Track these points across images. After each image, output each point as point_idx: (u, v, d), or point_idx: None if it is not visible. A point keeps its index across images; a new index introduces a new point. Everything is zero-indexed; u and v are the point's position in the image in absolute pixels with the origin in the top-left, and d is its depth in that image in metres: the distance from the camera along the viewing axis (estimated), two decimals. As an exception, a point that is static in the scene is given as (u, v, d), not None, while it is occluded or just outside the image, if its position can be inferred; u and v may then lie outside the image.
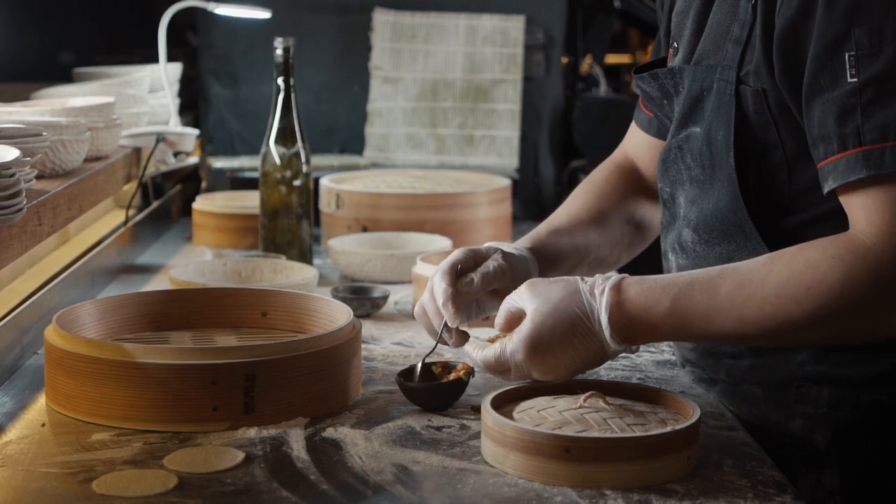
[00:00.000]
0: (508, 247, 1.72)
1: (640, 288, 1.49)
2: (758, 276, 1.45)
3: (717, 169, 1.60)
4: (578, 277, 1.53)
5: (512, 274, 1.68)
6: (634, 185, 1.91)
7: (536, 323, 1.49)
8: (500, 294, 1.63)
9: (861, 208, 1.43)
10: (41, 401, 1.65)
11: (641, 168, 1.92)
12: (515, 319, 1.54)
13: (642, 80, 1.76)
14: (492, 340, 1.56)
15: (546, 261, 1.76)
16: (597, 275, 1.52)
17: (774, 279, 1.44)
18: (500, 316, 1.56)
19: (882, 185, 1.41)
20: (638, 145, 1.92)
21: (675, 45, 1.72)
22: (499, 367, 1.52)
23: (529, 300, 1.51)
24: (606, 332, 1.48)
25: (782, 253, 1.47)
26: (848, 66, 1.43)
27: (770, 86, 1.53)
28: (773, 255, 1.47)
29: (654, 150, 1.86)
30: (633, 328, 1.49)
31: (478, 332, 1.69)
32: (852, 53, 1.42)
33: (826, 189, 1.46)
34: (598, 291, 1.49)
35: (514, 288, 1.59)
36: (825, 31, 1.44)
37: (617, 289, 1.49)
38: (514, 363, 1.51)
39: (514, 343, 1.50)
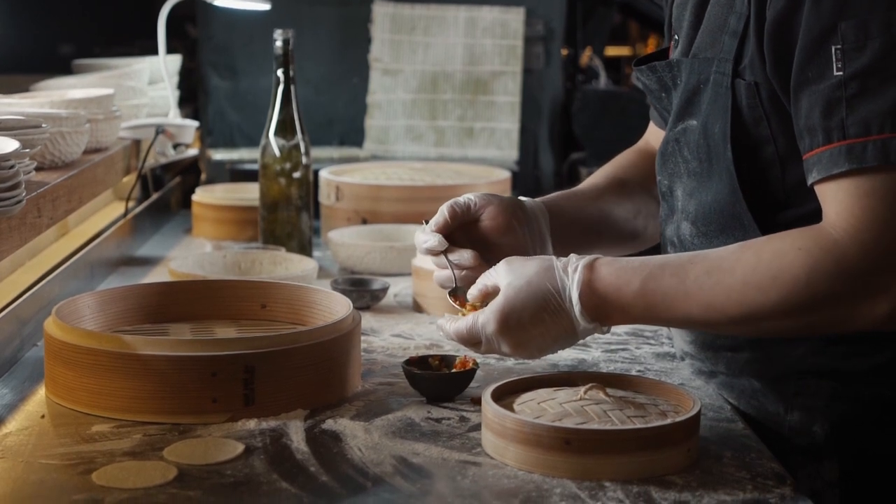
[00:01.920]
0: (522, 199, 1.74)
1: (612, 268, 1.50)
2: (727, 263, 1.46)
3: (714, 162, 1.60)
4: (553, 256, 1.54)
5: (513, 214, 1.69)
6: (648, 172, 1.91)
7: (509, 297, 1.50)
8: (495, 234, 1.67)
9: (832, 201, 1.44)
10: (41, 392, 1.65)
11: None
12: (489, 295, 1.55)
13: (641, 73, 1.76)
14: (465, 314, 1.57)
15: (560, 218, 1.76)
16: (571, 254, 1.53)
17: (742, 267, 1.45)
18: (475, 288, 1.57)
19: (856, 178, 1.42)
20: (657, 140, 1.92)
21: (676, 37, 1.73)
22: (471, 338, 1.54)
23: (504, 275, 1.53)
24: (576, 309, 1.49)
25: (753, 242, 1.48)
26: (834, 60, 1.43)
27: (762, 79, 1.53)
28: (744, 244, 1.48)
29: None
30: (604, 307, 1.50)
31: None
32: (838, 47, 1.43)
33: (810, 181, 1.46)
34: (571, 269, 1.51)
35: (520, 234, 1.63)
36: (812, 25, 1.44)
37: (590, 267, 1.50)
38: (485, 335, 1.52)
39: (486, 315, 1.52)
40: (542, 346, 1.53)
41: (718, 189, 1.60)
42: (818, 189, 1.46)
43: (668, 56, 1.75)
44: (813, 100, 1.45)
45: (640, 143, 1.97)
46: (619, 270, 1.50)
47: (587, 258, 1.51)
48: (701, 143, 1.61)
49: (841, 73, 1.43)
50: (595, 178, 1.90)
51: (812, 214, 1.52)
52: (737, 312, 1.45)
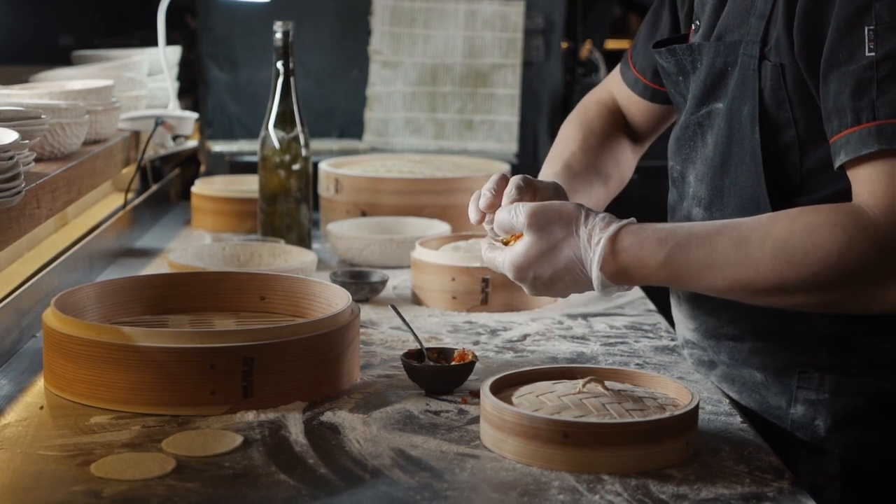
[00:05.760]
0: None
1: (637, 238, 1.48)
2: (757, 235, 1.44)
3: (734, 145, 1.59)
4: (583, 215, 1.51)
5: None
6: (621, 127, 1.95)
7: (530, 256, 1.51)
8: None
9: (866, 181, 1.42)
10: (40, 384, 1.65)
11: (628, 116, 1.96)
12: (513, 232, 1.55)
13: (660, 56, 1.75)
14: (506, 243, 1.57)
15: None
16: (597, 218, 1.50)
17: (773, 240, 1.43)
18: (504, 222, 1.54)
19: (889, 160, 1.40)
20: (627, 99, 1.95)
21: (697, 22, 1.71)
22: (497, 272, 1.57)
23: (528, 230, 1.51)
24: (596, 281, 1.50)
25: (784, 214, 1.45)
26: (867, 40, 1.42)
27: (789, 61, 1.52)
28: (775, 216, 1.46)
29: (643, 108, 1.92)
30: (626, 274, 1.49)
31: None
32: (872, 27, 1.42)
33: (837, 163, 1.45)
34: (595, 241, 1.49)
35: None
36: (846, 5, 1.43)
37: (613, 240, 1.48)
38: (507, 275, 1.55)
39: (506, 263, 1.53)
40: (557, 295, 1.56)
41: (738, 173, 1.59)
42: (849, 171, 1.45)
43: (687, 40, 1.74)
44: (843, 81, 1.44)
45: (607, 98, 1.97)
46: (645, 241, 1.48)
47: (611, 229, 1.48)
48: (723, 126, 1.61)
49: (873, 53, 1.41)
50: (582, 139, 1.90)
51: (825, 201, 1.51)
52: (763, 286, 1.44)
